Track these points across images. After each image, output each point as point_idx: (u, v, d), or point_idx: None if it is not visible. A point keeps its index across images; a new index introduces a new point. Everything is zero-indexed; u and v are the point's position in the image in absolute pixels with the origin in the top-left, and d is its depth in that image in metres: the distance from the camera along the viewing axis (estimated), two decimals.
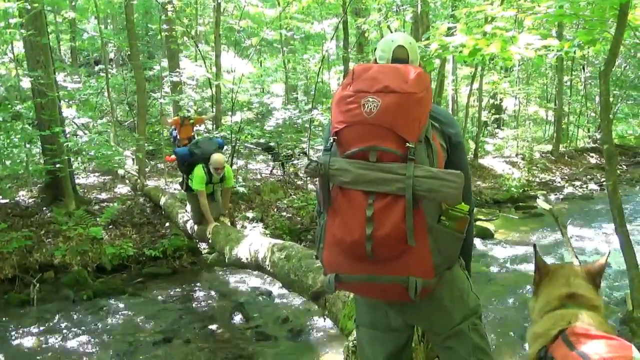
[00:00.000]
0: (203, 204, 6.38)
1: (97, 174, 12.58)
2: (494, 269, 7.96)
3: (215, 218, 6.53)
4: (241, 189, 10.02)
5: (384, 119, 1.73)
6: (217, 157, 6.28)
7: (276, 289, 6.80)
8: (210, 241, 6.53)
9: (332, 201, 1.84)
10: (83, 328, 5.92)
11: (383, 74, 1.82)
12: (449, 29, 5.57)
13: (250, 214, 9.82)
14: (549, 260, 8.24)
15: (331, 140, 1.84)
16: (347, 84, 1.86)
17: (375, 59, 2.12)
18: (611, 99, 20.48)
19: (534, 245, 1.97)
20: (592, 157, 19.36)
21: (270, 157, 13.23)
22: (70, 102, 13.13)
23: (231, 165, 10.60)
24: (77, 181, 10.49)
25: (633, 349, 1.50)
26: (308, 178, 11.46)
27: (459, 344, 1.96)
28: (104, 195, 10.53)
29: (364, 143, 1.77)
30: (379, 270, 1.79)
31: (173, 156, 9.33)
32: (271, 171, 12.90)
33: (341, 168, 1.78)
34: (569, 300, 1.82)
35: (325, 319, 4.49)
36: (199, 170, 6.29)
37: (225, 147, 9.63)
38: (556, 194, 14.47)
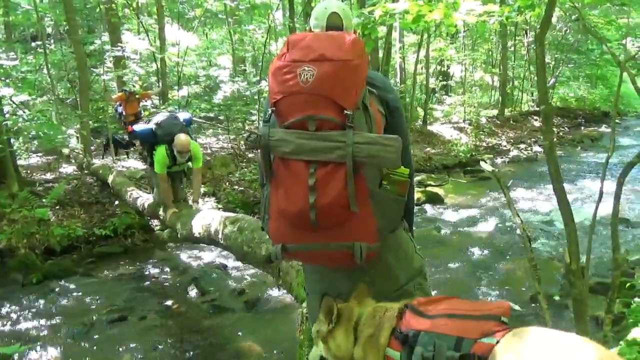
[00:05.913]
0: (163, 188, 5.98)
1: (40, 154, 12.16)
2: (444, 232, 8.18)
3: (178, 201, 6.24)
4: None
5: (321, 88, 1.72)
6: (181, 139, 5.68)
7: (231, 262, 6.80)
8: (162, 218, 6.45)
9: (274, 172, 1.83)
10: (34, 311, 5.79)
11: (318, 42, 1.80)
12: None
13: (201, 189, 9.69)
14: (493, 221, 8.48)
15: (269, 112, 1.83)
16: (282, 54, 1.83)
17: (310, 28, 2.10)
18: (552, 63, 20.78)
19: None
20: (536, 120, 19.87)
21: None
22: (7, 80, 12.54)
23: None
24: (19, 162, 10.12)
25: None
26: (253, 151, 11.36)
27: None
28: (48, 176, 10.22)
29: (302, 113, 1.75)
30: (324, 238, 1.81)
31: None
32: None
33: (281, 139, 1.77)
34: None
35: (279, 288, 4.55)
36: (161, 152, 5.78)
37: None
38: (502, 157, 14.90)
